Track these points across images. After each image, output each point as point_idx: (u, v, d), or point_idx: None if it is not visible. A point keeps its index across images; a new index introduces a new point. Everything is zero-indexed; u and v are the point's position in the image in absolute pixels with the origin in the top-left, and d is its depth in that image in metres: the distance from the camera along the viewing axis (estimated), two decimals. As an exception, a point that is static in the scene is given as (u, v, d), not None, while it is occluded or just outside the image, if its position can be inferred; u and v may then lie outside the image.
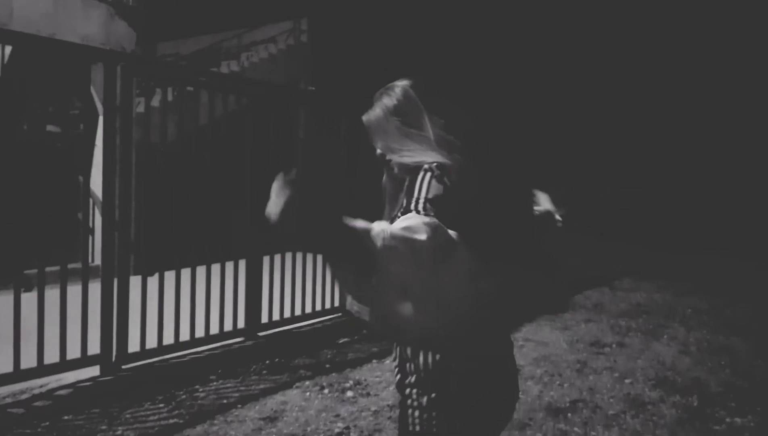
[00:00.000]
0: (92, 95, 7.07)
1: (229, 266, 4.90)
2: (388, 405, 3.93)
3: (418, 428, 1.53)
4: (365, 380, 4.40)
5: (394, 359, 1.63)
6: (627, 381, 4.52)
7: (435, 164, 1.57)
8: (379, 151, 1.79)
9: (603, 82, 20.58)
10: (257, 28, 11.09)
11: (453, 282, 1.44)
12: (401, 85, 1.82)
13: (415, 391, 1.54)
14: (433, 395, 1.52)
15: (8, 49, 5.63)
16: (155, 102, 8.79)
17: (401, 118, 1.76)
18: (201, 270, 4.69)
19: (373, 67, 10.54)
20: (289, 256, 5.46)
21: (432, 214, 1.44)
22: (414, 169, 1.62)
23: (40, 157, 5.56)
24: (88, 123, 7.00)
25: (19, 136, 6.06)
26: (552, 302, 1.65)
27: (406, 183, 1.61)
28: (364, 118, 1.84)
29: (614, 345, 5.50)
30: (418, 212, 1.46)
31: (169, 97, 8.59)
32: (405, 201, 1.54)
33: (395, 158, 1.71)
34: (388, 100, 1.83)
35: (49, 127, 6.57)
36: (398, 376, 1.60)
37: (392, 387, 4.24)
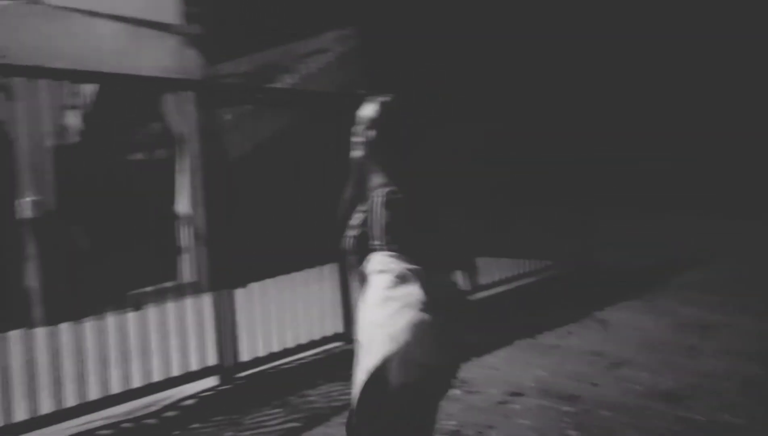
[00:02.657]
0: (167, 123, 7.36)
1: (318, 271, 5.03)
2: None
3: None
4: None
5: None
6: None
7: (387, 191, 1.83)
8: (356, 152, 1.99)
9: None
10: (308, 39, 11.35)
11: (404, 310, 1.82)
12: (376, 102, 1.96)
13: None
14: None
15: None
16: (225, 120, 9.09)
17: (371, 132, 1.93)
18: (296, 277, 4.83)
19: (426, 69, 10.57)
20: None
21: (388, 248, 1.83)
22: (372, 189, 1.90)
23: (132, 185, 5.85)
24: (168, 149, 7.31)
25: (111, 165, 6.40)
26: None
27: (369, 201, 1.90)
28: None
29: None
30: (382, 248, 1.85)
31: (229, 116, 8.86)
32: (371, 228, 1.88)
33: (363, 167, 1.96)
34: (362, 111, 1.98)
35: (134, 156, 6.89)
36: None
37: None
